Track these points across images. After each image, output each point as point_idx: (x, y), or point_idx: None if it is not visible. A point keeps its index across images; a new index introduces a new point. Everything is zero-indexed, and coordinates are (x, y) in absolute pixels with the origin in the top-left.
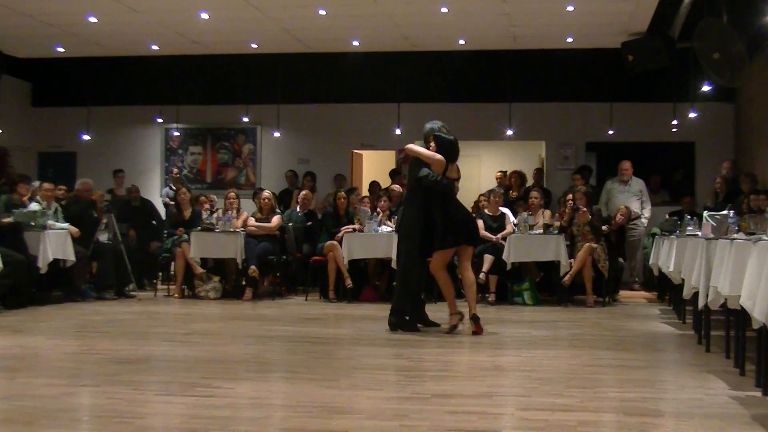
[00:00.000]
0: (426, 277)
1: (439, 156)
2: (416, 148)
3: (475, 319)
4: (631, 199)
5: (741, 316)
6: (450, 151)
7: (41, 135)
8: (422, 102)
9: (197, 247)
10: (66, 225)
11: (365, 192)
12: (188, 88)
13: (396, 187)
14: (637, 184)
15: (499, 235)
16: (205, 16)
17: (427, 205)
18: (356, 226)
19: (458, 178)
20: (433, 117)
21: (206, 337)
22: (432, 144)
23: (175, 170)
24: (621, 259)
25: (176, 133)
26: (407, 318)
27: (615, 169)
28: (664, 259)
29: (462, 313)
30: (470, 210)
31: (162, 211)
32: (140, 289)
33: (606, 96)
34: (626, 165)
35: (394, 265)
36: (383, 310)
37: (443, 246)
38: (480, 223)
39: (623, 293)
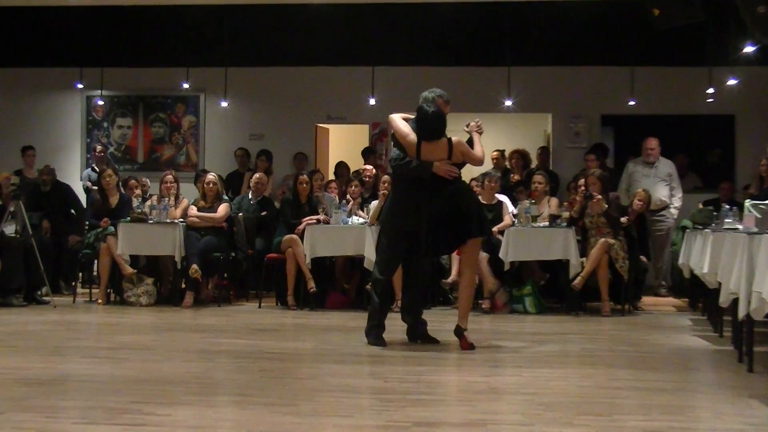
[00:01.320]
0: (420, 281)
1: (411, 136)
2: (395, 120)
3: (458, 332)
4: (659, 184)
5: None
6: (422, 127)
7: None
8: (402, 65)
9: (126, 241)
10: None
11: (331, 175)
12: (115, 47)
13: (369, 168)
14: (666, 166)
15: (495, 229)
16: None
17: (416, 192)
18: (321, 217)
19: (458, 161)
20: (415, 83)
21: (137, 352)
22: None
23: (99, 147)
24: (644, 258)
25: (100, 102)
26: (379, 328)
27: (637, 148)
28: (697, 259)
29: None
30: None
31: (83, 198)
32: (55, 294)
33: (626, 58)
34: (652, 143)
35: (367, 264)
36: (353, 319)
37: (433, 246)
38: None
39: (647, 300)
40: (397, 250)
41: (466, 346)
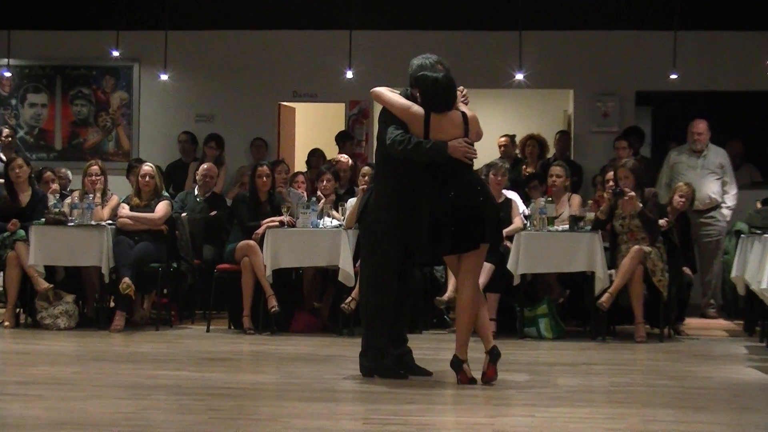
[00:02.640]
0: (409, 298)
1: (416, 107)
2: (385, 93)
3: (455, 365)
4: (708, 178)
5: None
6: (433, 95)
7: None
8: (386, 29)
9: (40, 249)
10: None
11: (299, 166)
12: (26, 4)
13: (344, 158)
14: (717, 155)
15: (503, 233)
16: None
17: (413, 185)
18: (285, 219)
19: (473, 140)
20: (403, 51)
21: (54, 387)
22: (415, 91)
23: (6, 131)
24: (688, 270)
25: (7, 74)
26: (385, 358)
27: (681, 133)
28: (754, 271)
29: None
30: None
31: None
32: None
33: (667, 21)
34: (700, 127)
35: (343, 278)
36: (325, 346)
37: (433, 253)
38: None
39: (692, 322)
40: (392, 260)
41: (466, 380)
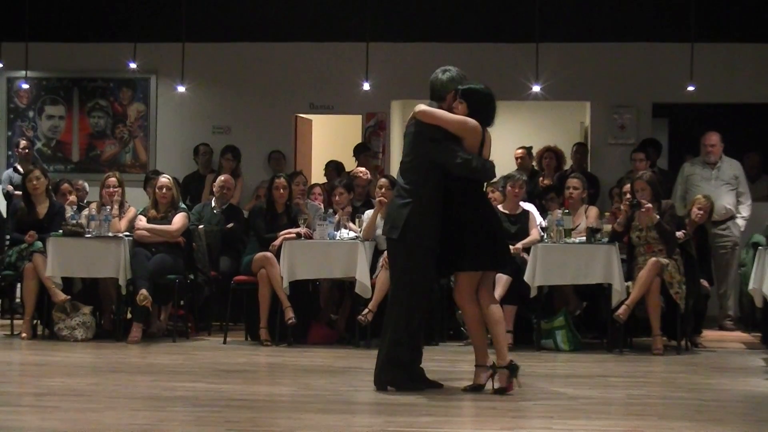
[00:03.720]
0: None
1: (472, 122)
2: (435, 109)
3: (512, 369)
4: (722, 189)
5: None
6: (486, 109)
7: None
8: (402, 41)
9: (58, 261)
10: None
11: (317, 178)
12: (43, 16)
13: (361, 171)
14: (731, 167)
15: (520, 245)
16: None
17: (450, 200)
18: (302, 230)
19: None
20: (419, 63)
21: (70, 399)
22: (459, 105)
23: (24, 143)
24: (705, 283)
25: (25, 86)
26: (405, 372)
27: (697, 145)
28: None
29: (495, 366)
30: None
31: (2, 206)
32: None
33: (684, 33)
34: (713, 139)
35: (359, 290)
36: (341, 358)
37: (476, 266)
38: None
39: (709, 334)
40: (430, 276)
41: (510, 387)
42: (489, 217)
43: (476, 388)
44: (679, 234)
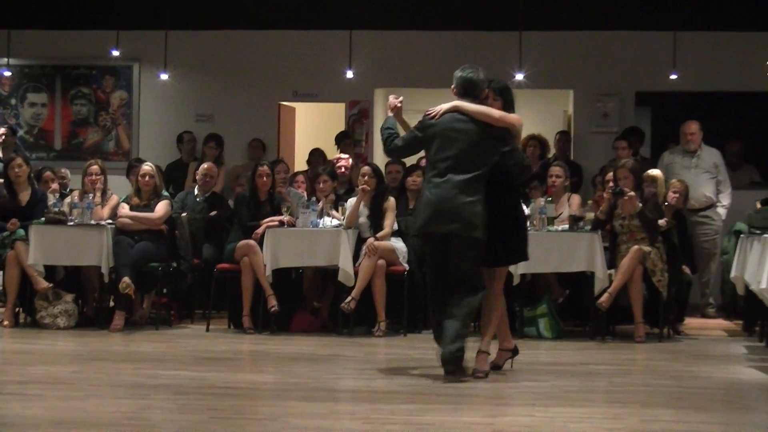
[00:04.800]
0: None
1: (521, 121)
2: (499, 111)
3: (515, 352)
4: (702, 177)
5: None
6: (514, 107)
7: None
8: (386, 29)
9: (40, 249)
10: None
11: (300, 165)
12: (26, 4)
13: (344, 157)
14: (710, 155)
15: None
16: None
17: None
18: (284, 218)
19: None
20: (403, 51)
21: (53, 387)
22: (495, 102)
23: (5, 130)
24: (688, 270)
25: (7, 73)
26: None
27: (679, 134)
28: (754, 271)
29: (516, 348)
30: None
31: None
32: None
33: (667, 21)
34: (692, 127)
35: (342, 278)
36: (325, 346)
37: (520, 258)
38: None
39: (691, 321)
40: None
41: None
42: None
43: (496, 367)
44: (661, 222)
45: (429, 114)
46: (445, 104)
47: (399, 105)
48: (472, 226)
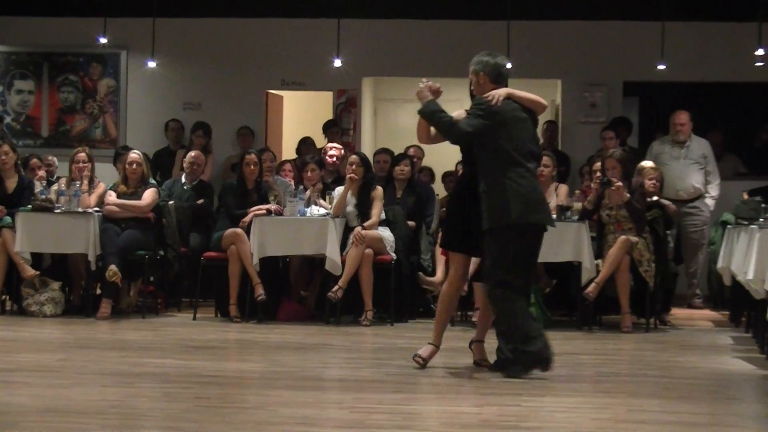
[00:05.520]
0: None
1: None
2: (538, 97)
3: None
4: (691, 168)
5: None
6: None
7: None
8: (374, 17)
9: (27, 236)
10: None
11: (289, 153)
12: None
13: (336, 146)
14: (700, 146)
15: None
16: None
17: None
18: (272, 207)
19: None
20: (391, 40)
21: (40, 375)
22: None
23: None
24: (674, 261)
25: None
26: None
27: (667, 124)
28: (740, 262)
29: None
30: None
31: None
32: None
33: (655, 11)
34: (682, 118)
35: (330, 267)
36: (312, 335)
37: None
38: None
39: (677, 312)
40: None
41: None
42: None
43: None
44: (668, 204)
45: (488, 100)
46: (500, 90)
47: (440, 89)
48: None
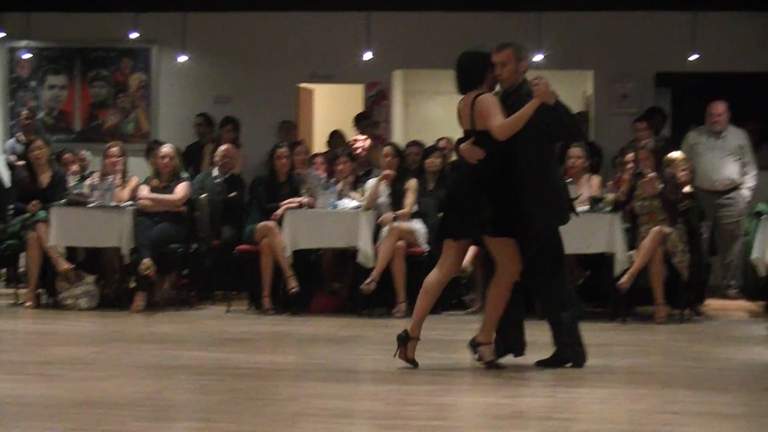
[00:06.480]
0: None
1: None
2: None
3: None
4: (727, 159)
5: None
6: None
7: None
8: (404, 10)
9: (61, 230)
10: None
11: (319, 147)
12: None
13: (360, 140)
14: (736, 137)
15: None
16: None
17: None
18: (304, 200)
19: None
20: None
21: (75, 367)
22: None
23: (26, 113)
24: (709, 252)
25: (26, 56)
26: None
27: (699, 115)
28: None
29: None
30: None
31: (5, 176)
32: None
33: (686, 2)
34: (719, 108)
35: (362, 259)
36: (344, 327)
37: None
38: None
39: (712, 303)
40: None
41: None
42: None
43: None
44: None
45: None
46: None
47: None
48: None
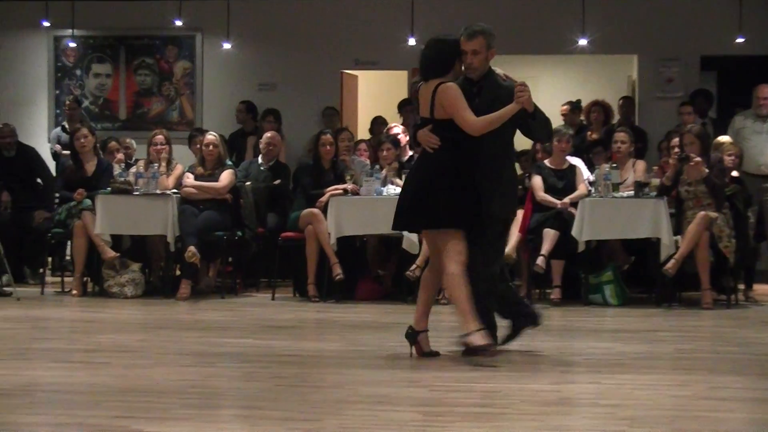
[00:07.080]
0: None
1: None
2: None
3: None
4: None
5: None
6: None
7: None
8: None
9: (106, 218)
10: None
11: (363, 133)
12: None
13: (395, 126)
14: None
15: (567, 199)
16: None
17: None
18: (348, 186)
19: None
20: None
21: (121, 355)
22: None
23: (70, 101)
24: (755, 239)
25: (71, 44)
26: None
27: (746, 98)
28: None
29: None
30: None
31: (51, 165)
32: (18, 284)
33: None
34: (765, 91)
35: (407, 245)
36: (388, 313)
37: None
38: (537, 180)
39: (760, 288)
40: None
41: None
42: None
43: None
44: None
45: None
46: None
47: None
48: None
